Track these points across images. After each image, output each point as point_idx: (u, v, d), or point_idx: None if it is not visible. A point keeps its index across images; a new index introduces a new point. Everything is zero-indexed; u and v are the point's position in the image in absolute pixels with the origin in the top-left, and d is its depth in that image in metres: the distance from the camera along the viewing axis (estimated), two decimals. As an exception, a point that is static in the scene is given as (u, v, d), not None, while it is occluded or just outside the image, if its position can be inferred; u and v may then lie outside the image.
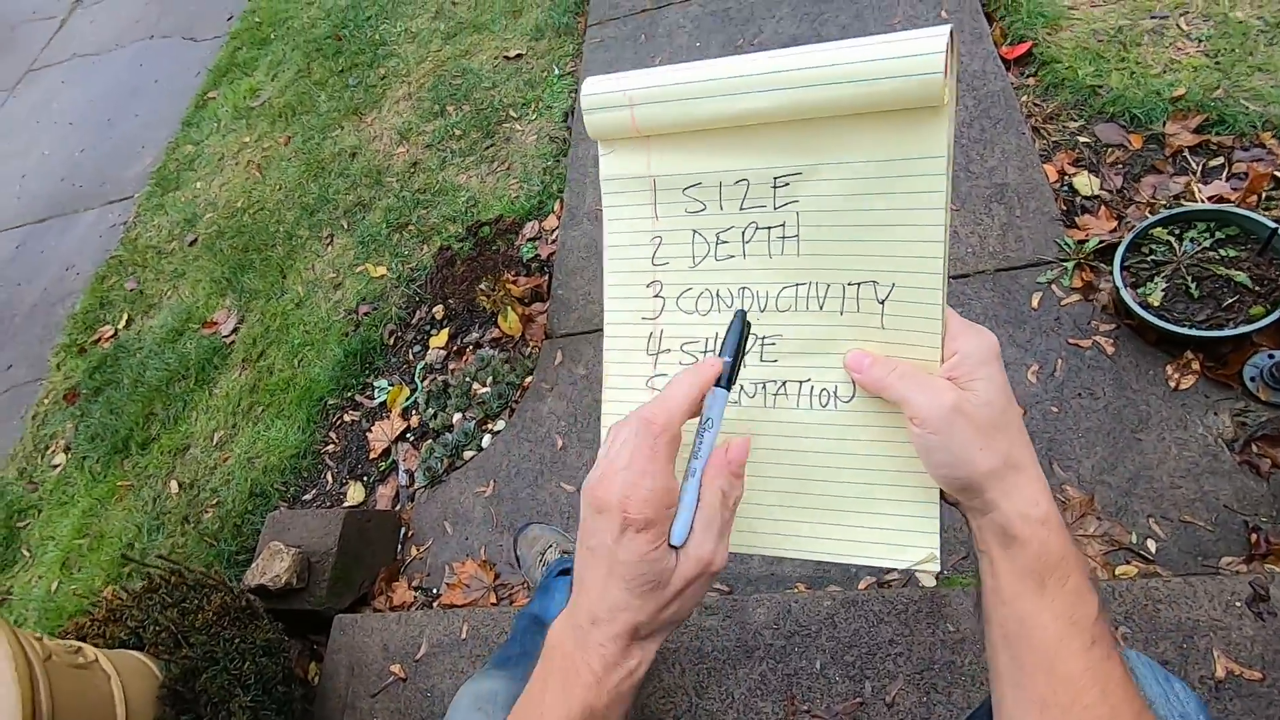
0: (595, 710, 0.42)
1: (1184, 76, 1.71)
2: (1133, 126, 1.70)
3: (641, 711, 1.22)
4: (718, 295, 0.50)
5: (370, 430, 2.00)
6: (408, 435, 1.96)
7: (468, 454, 1.84)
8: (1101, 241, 1.56)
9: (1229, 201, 1.50)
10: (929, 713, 1.09)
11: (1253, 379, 1.33)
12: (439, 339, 2.08)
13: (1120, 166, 1.68)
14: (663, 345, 0.52)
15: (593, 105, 0.49)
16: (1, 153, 3.83)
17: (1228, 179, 1.56)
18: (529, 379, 1.89)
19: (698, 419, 0.45)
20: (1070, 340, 1.49)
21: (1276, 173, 1.49)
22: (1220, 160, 1.59)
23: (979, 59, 1.92)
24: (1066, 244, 1.59)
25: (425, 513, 1.79)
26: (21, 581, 2.13)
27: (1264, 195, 1.49)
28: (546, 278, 2.06)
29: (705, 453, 0.44)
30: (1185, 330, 1.35)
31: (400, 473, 1.90)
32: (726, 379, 0.45)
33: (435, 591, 1.66)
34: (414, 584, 1.69)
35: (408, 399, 2.02)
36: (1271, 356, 1.31)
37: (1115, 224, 1.60)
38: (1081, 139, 1.74)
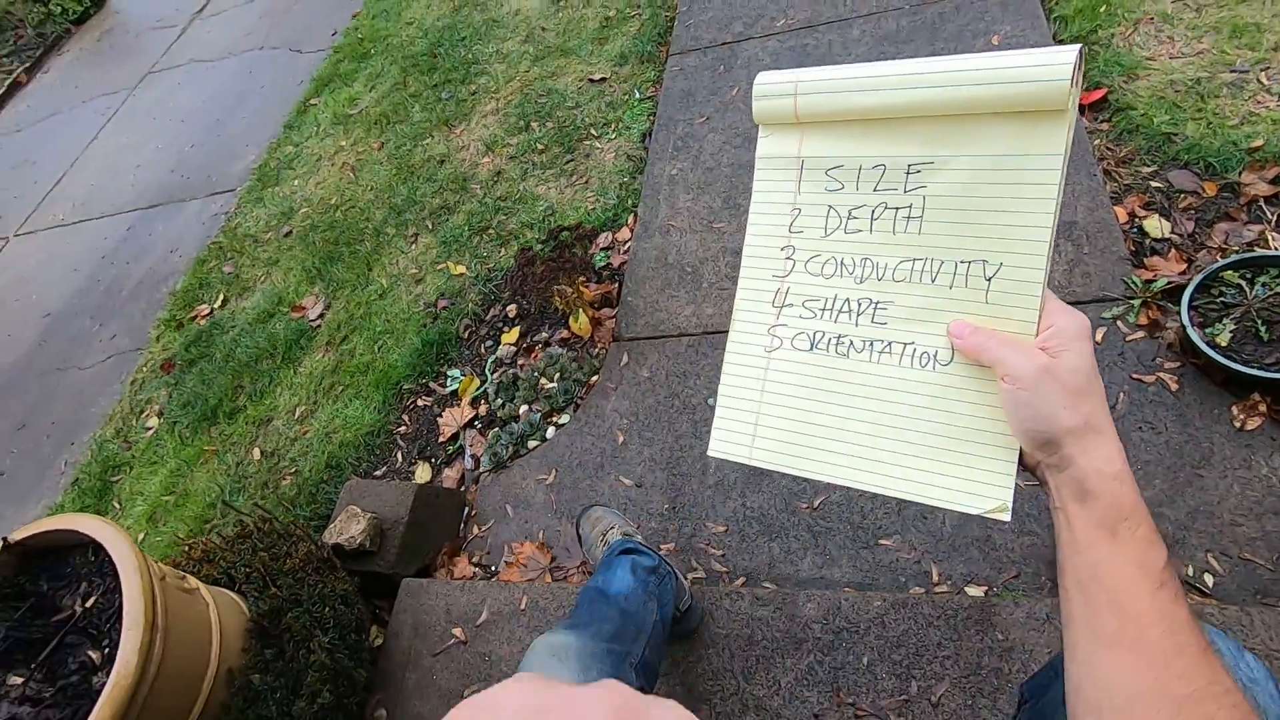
0: None
1: (1262, 129, 1.73)
2: (1207, 174, 1.73)
3: (690, 691, 1.27)
4: (841, 263, 0.58)
5: (441, 416, 2.12)
6: (476, 423, 2.08)
7: (532, 443, 1.94)
8: (1169, 282, 1.58)
9: (1304, 250, 1.51)
10: (974, 716, 1.12)
11: (1321, 424, 1.33)
12: (510, 336, 2.21)
13: (1192, 212, 1.70)
14: (787, 300, 0.60)
15: (762, 93, 0.58)
16: (121, 145, 4.18)
17: (1303, 229, 1.57)
18: (595, 378, 1.99)
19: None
20: (1133, 375, 1.51)
21: (1354, 225, 1.50)
22: (1296, 210, 1.60)
23: (1053, 102, 1.97)
24: (1133, 283, 1.62)
25: (488, 495, 1.89)
26: (111, 530, 2.30)
27: (1340, 246, 1.50)
28: (617, 285, 2.17)
29: None
30: (1254, 371, 1.36)
31: (466, 457, 2.01)
32: None
33: (494, 569, 1.75)
34: (474, 560, 1.78)
35: (478, 389, 2.14)
36: (1342, 403, 1.31)
37: (1185, 266, 1.62)
38: (1154, 184, 1.77)
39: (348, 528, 1.65)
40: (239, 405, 2.45)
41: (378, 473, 2.09)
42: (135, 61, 4.91)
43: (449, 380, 2.19)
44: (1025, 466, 0.53)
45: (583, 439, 1.87)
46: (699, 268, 2.09)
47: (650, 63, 2.79)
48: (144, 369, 2.79)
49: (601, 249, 2.28)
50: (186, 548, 1.59)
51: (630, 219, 2.32)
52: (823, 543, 1.51)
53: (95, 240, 3.60)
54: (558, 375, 2.02)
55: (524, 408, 2.01)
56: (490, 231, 2.52)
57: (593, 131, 2.65)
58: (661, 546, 1.61)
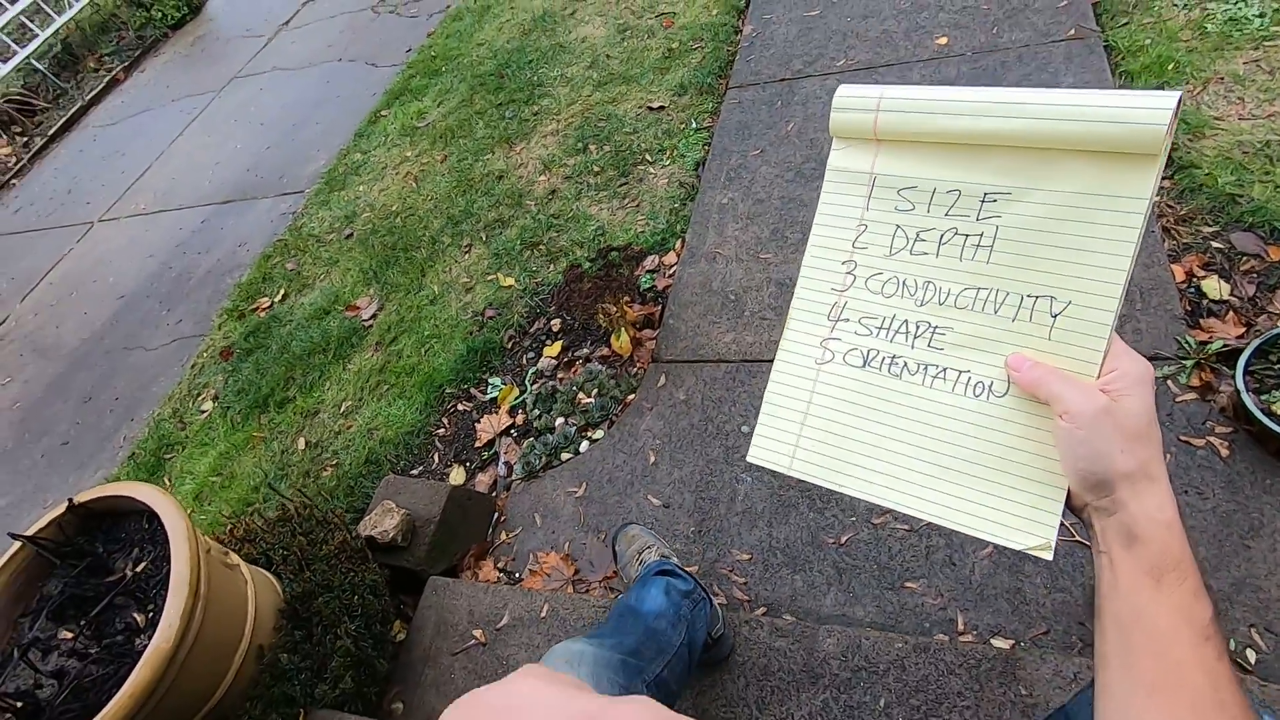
0: None
1: (1334, 196, 1.69)
2: (1272, 238, 1.69)
3: (703, 715, 1.27)
4: (903, 283, 0.58)
5: (479, 421, 2.17)
6: (512, 431, 2.12)
7: (565, 455, 1.97)
8: (1225, 345, 1.54)
9: (1372, 323, 1.46)
10: (991, 770, 1.09)
11: (1382, 504, 1.27)
12: (552, 349, 2.26)
13: (1254, 275, 1.66)
14: (843, 314, 0.60)
15: (843, 105, 0.58)
16: (203, 143, 4.43)
17: (1373, 301, 1.52)
18: (631, 396, 2.02)
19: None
20: (1182, 437, 1.47)
21: None
22: (1366, 282, 1.55)
23: (1114, 156, 1.95)
24: (1187, 343, 1.58)
25: (518, 503, 1.92)
26: (160, 505, 2.41)
27: None
28: (660, 307, 2.21)
29: None
30: (1310, 443, 1.32)
31: (500, 464, 2.06)
32: None
33: (518, 576, 1.78)
34: (499, 565, 1.81)
35: (516, 398, 2.19)
36: (1406, 483, 1.26)
37: (1243, 330, 1.58)
38: (1215, 244, 1.73)
39: (381, 521, 1.70)
40: (289, 396, 2.55)
41: (414, 471, 2.15)
42: (223, 66, 5.22)
43: (490, 388, 2.25)
44: (1070, 506, 0.51)
45: (615, 455, 1.90)
46: (742, 296, 2.12)
47: (709, 94, 2.85)
48: (204, 354, 2.93)
49: (648, 271, 2.33)
50: (229, 526, 1.67)
51: (678, 244, 2.36)
52: (847, 580, 1.49)
53: (171, 230, 3.81)
54: (595, 391, 2.06)
55: (560, 420, 2.05)
56: (541, 247, 2.59)
57: (648, 157, 2.72)
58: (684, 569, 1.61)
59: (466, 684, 1.47)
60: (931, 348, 0.57)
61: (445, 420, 2.24)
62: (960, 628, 1.38)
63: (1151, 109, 0.46)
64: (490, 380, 2.26)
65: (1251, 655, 1.22)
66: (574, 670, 0.97)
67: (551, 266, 2.51)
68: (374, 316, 2.69)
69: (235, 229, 3.59)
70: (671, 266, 2.31)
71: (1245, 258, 1.69)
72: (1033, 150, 0.52)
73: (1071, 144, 0.50)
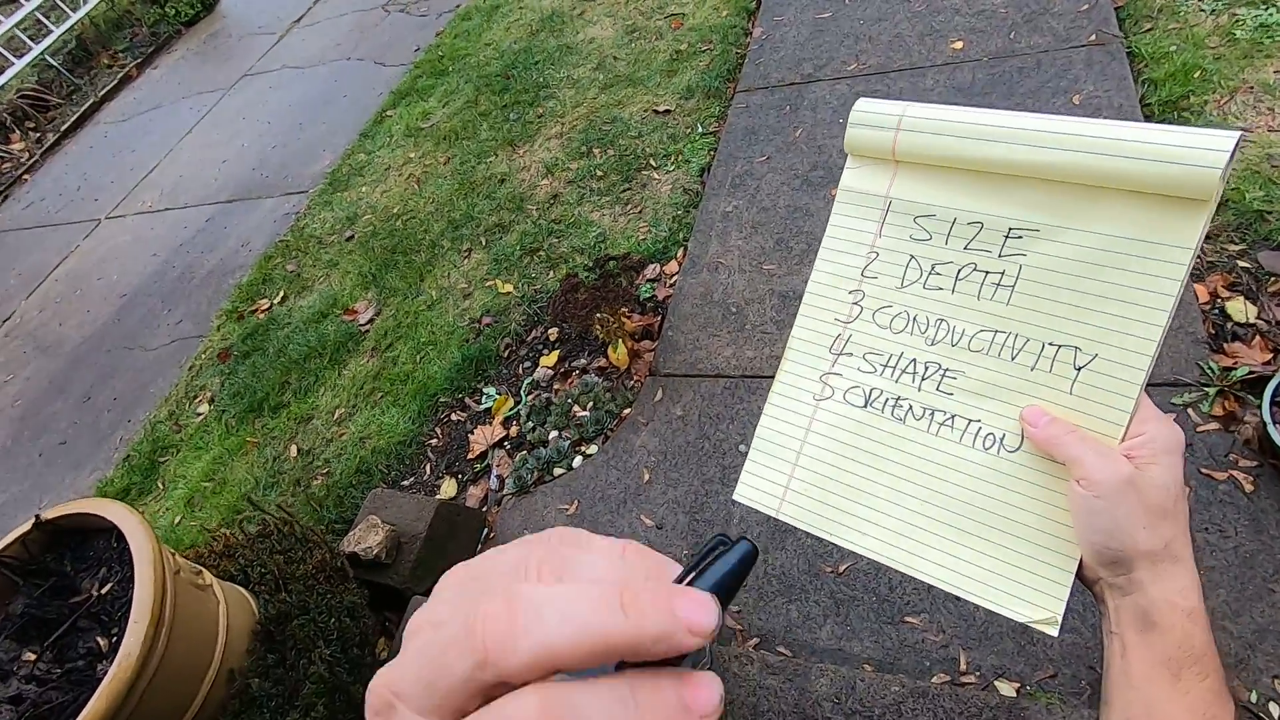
0: None
1: (1370, 214, 1.59)
2: (1303, 258, 1.60)
3: (686, 755, 1.21)
4: (914, 320, 0.52)
5: (472, 432, 2.12)
6: (505, 443, 2.07)
7: (557, 471, 1.92)
8: (1251, 372, 1.46)
9: None
10: (991, 830, 1.02)
11: None
12: (549, 359, 2.20)
13: (1283, 297, 1.57)
14: (847, 349, 0.54)
15: (860, 121, 0.52)
16: (211, 140, 4.43)
17: None
18: (627, 410, 1.96)
19: None
20: (1203, 470, 1.39)
21: None
22: (1404, 307, 1.46)
23: (1135, 168, 1.87)
24: (1210, 369, 1.50)
25: (509, 519, 1.87)
26: (152, 510, 2.38)
27: None
28: (659, 319, 2.14)
29: None
30: (1341, 481, 1.24)
31: (492, 477, 2.00)
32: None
33: (504, 595, 1.72)
34: (486, 584, 1.76)
35: (511, 409, 2.14)
36: None
37: (1270, 357, 1.49)
38: (1241, 263, 1.65)
39: (365, 538, 1.65)
40: (284, 401, 2.51)
41: (405, 483, 2.10)
42: (234, 63, 5.21)
43: (484, 397, 2.20)
44: (1082, 578, 0.47)
45: (608, 472, 1.84)
46: (744, 308, 2.05)
47: (716, 98, 2.79)
48: (203, 355, 2.90)
49: (648, 280, 2.27)
50: (211, 539, 1.63)
51: (680, 252, 2.30)
52: (845, 611, 1.43)
53: (176, 228, 3.81)
54: (591, 404, 2.00)
55: (554, 433, 2.00)
56: (540, 253, 2.54)
57: (652, 162, 2.66)
58: (675, 594, 1.55)
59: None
60: (940, 392, 0.51)
61: (438, 430, 2.19)
62: (963, 667, 1.31)
63: (1206, 150, 0.40)
64: (485, 390, 2.21)
65: (1274, 709, 1.14)
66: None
67: (551, 273, 2.46)
68: (371, 321, 2.65)
69: (239, 228, 3.57)
70: (673, 276, 2.25)
71: (1273, 278, 1.60)
72: (1068, 186, 0.46)
73: (1114, 182, 0.44)
